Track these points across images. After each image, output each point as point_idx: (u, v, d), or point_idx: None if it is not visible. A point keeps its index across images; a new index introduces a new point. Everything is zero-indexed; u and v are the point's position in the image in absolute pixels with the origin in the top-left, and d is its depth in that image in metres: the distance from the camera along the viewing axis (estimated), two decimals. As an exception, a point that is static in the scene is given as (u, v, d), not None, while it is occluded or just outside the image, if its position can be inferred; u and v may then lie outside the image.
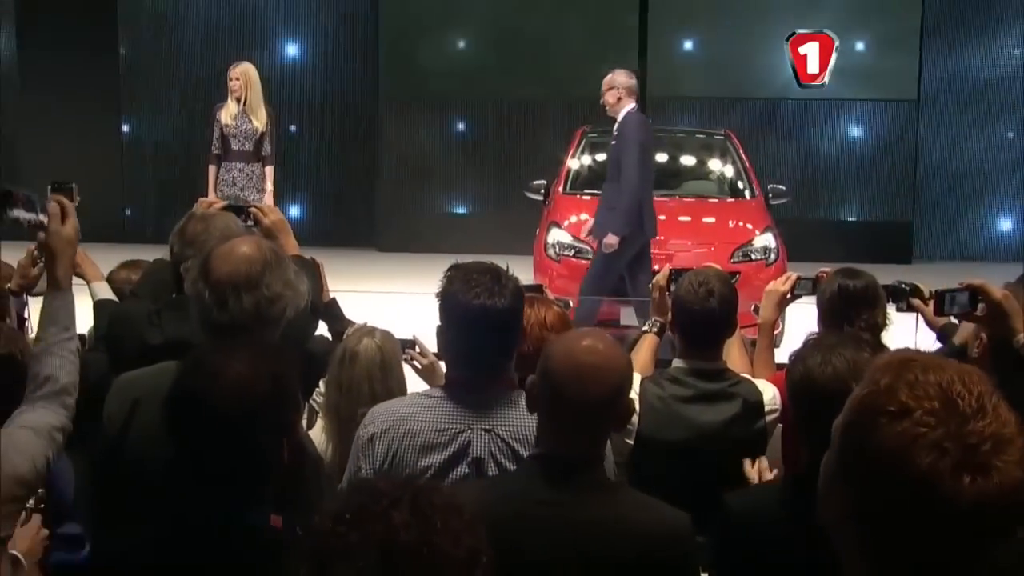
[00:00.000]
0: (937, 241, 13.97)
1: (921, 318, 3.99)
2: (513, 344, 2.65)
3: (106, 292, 3.84)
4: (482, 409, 2.57)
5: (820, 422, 1.60)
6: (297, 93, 14.05)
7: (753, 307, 4.10)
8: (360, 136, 14.24)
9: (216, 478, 2.03)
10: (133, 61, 14.22)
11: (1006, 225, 13.93)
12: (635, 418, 3.19)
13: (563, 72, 12.75)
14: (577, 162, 9.63)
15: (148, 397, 2.45)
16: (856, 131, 13.60)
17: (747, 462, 3.02)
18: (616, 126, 7.63)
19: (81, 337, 2.95)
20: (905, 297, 3.85)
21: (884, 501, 1.24)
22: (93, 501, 2.76)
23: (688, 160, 10.16)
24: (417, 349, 3.84)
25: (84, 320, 3.30)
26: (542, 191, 9.30)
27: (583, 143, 9.73)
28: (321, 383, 3.63)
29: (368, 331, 3.60)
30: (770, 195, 9.20)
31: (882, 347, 3.27)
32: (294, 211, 13.91)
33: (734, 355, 3.70)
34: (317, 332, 3.69)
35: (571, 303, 6.87)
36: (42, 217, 2.51)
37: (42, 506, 2.59)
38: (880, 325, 3.62)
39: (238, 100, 8.72)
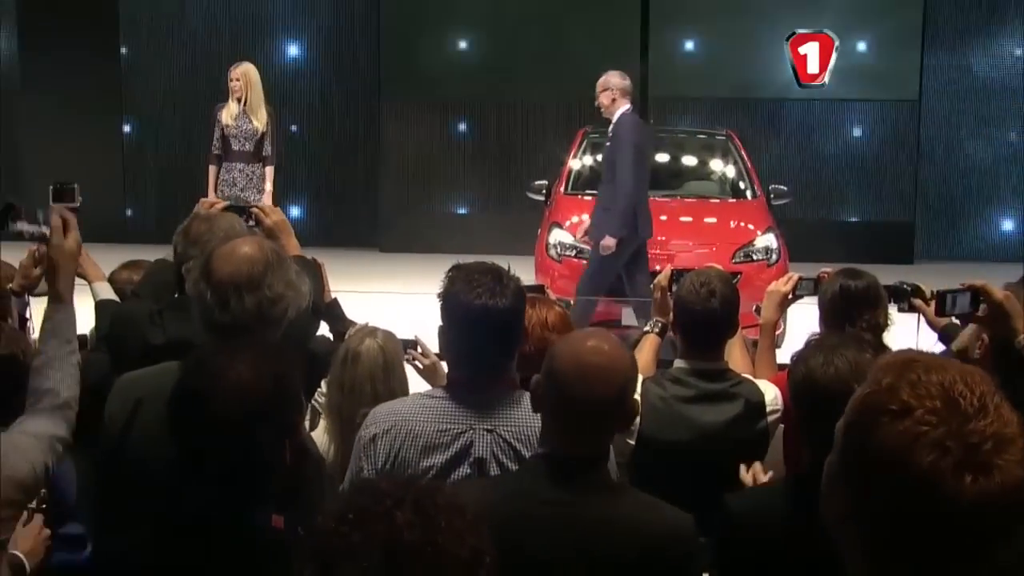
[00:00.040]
0: (938, 241, 13.94)
1: (923, 319, 3.99)
2: (515, 344, 2.65)
3: (108, 292, 3.84)
4: (484, 409, 2.57)
5: (822, 422, 1.60)
6: (298, 93, 14.05)
7: (755, 307, 4.10)
8: (361, 136, 14.23)
9: (218, 478, 2.03)
10: (134, 61, 14.22)
11: (1008, 225, 13.90)
12: (637, 418, 3.18)
13: (564, 72, 12.73)
14: (578, 162, 9.61)
15: (150, 397, 2.45)
16: (858, 131, 13.59)
17: (743, 468, 3.01)
18: (611, 127, 7.62)
19: (83, 337, 2.95)
20: (907, 297, 3.85)
21: (885, 500, 1.24)
22: (95, 501, 2.75)
23: (690, 160, 10.16)
24: (419, 349, 3.84)
25: (86, 320, 3.30)
26: (543, 191, 9.29)
27: (584, 143, 9.71)
28: (323, 383, 3.63)
29: (370, 331, 3.60)
30: (772, 195, 9.20)
31: (884, 348, 3.27)
32: (295, 211, 13.91)
33: (736, 355, 3.70)
34: (319, 332, 3.70)
35: (572, 303, 6.88)
36: (44, 229, 2.52)
37: (44, 506, 2.60)
38: (882, 326, 3.62)
39: (239, 100, 8.71)
